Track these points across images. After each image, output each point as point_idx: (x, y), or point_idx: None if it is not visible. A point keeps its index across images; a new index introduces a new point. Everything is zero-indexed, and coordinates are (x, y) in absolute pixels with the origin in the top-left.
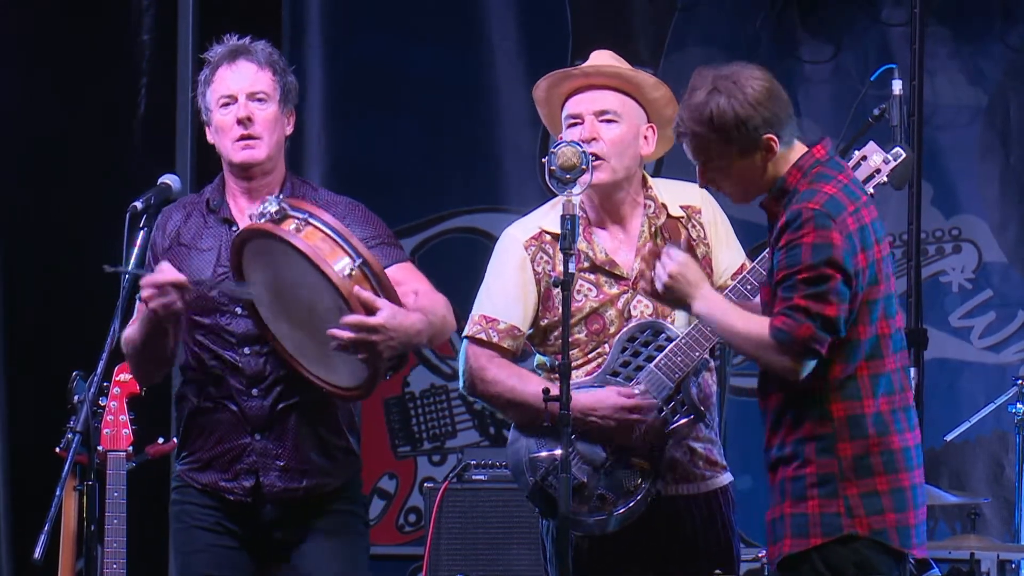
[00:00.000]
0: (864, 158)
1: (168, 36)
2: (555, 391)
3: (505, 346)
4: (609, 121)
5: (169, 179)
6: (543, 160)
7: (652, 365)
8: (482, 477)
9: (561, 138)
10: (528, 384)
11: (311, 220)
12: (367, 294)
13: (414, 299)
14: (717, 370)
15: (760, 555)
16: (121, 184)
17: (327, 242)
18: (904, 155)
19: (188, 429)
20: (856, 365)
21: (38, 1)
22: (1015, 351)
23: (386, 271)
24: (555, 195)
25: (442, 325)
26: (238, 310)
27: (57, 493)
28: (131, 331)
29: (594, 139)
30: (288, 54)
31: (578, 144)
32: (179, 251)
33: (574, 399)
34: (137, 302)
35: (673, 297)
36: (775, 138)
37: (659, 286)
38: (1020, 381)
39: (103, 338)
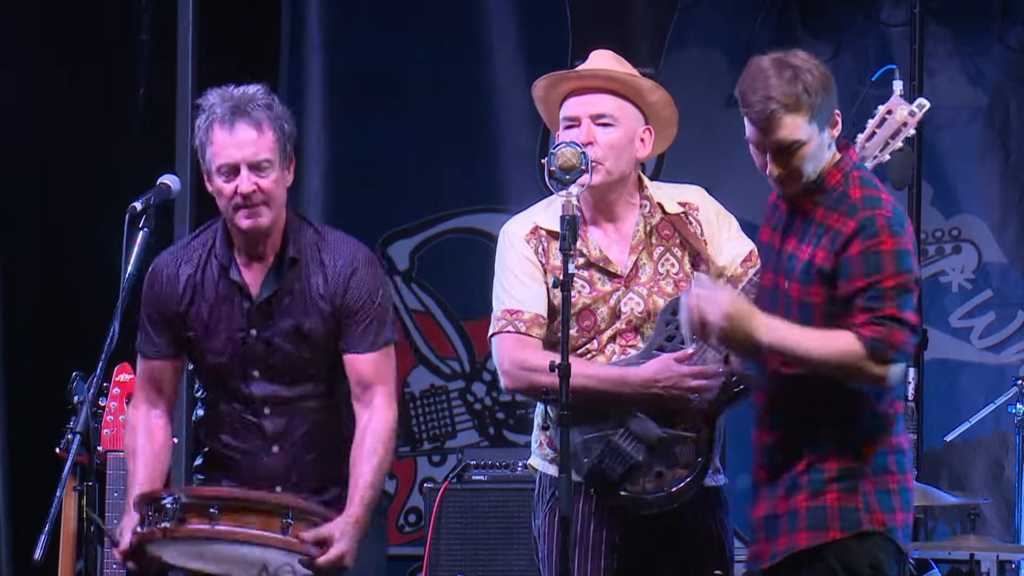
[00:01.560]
0: (889, 112)
1: (168, 35)
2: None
3: (533, 335)
4: (605, 125)
5: (168, 179)
6: (543, 160)
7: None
8: (482, 477)
9: (559, 136)
10: (577, 366)
11: (223, 504)
12: (313, 534)
13: (364, 412)
14: None
15: None
16: (121, 184)
17: (249, 513)
18: (928, 105)
19: (209, 462)
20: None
21: (38, 1)
22: (1015, 351)
23: (364, 356)
24: (555, 194)
25: (386, 466)
26: (256, 373)
27: (57, 493)
28: (131, 445)
29: (590, 143)
30: (288, 54)
31: (577, 145)
32: (200, 312)
33: (634, 372)
34: (139, 359)
35: (736, 339)
36: (839, 113)
37: (717, 334)
38: (1020, 381)
39: (103, 339)
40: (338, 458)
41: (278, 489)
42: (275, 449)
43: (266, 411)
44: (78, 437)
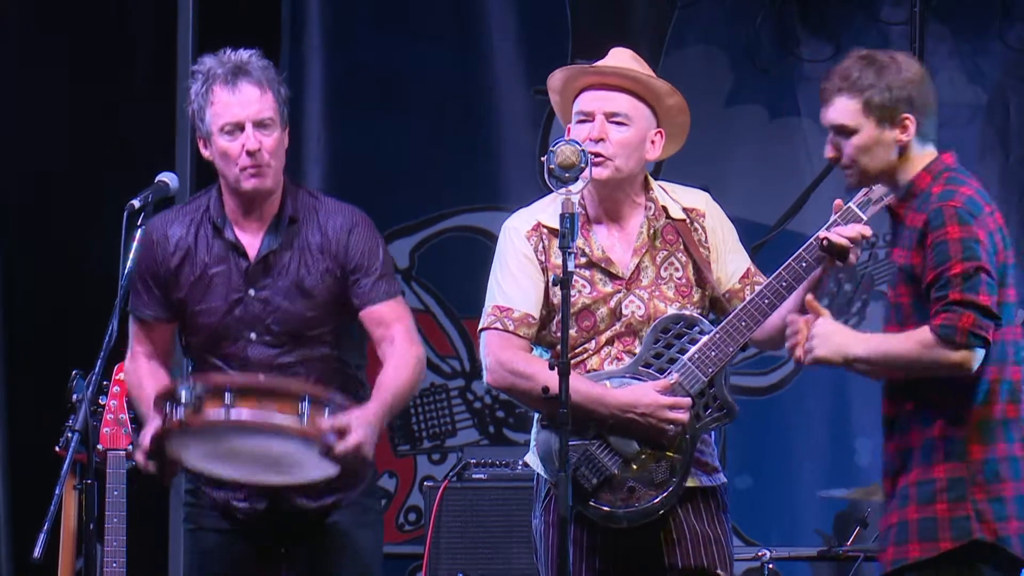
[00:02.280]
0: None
1: (168, 35)
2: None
3: (521, 334)
4: (619, 123)
5: (167, 177)
6: (542, 159)
7: (685, 358)
8: (482, 476)
9: (571, 130)
10: (553, 374)
11: (237, 390)
12: (330, 422)
13: (388, 348)
14: None
15: (760, 554)
16: (120, 183)
17: (265, 397)
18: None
19: None
20: (987, 369)
21: (37, 1)
22: None
23: (374, 307)
24: (555, 192)
25: (410, 387)
26: (252, 336)
27: (57, 492)
28: (138, 392)
29: (601, 139)
30: (288, 53)
31: (577, 143)
32: (190, 273)
33: (612, 395)
34: (131, 320)
35: (835, 351)
36: (911, 119)
37: (812, 354)
38: None
39: (102, 337)
40: None
41: None
42: None
43: (261, 378)
44: (77, 435)
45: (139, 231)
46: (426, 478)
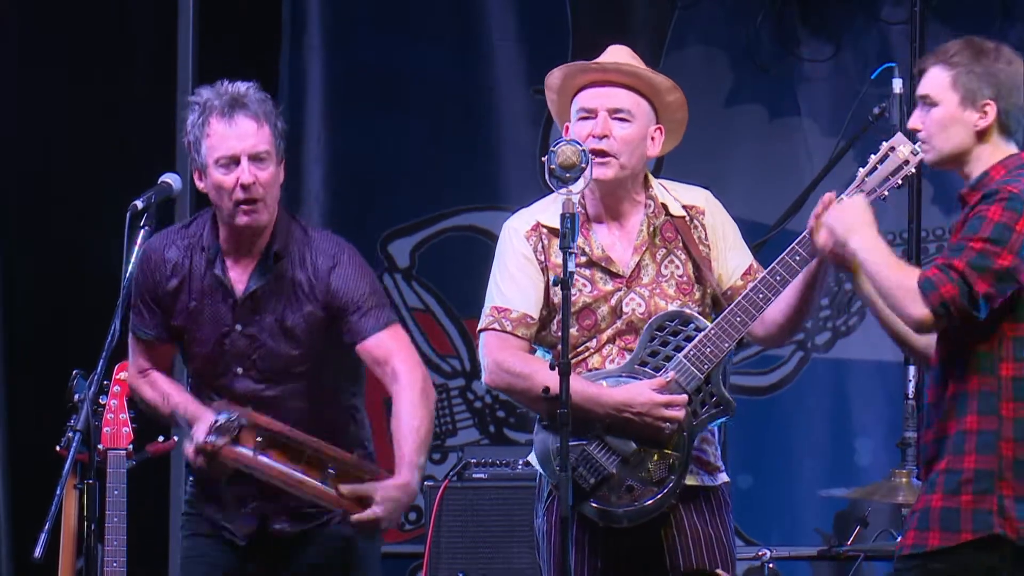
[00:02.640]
0: (892, 149)
1: (168, 35)
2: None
3: (519, 335)
4: (622, 120)
5: (170, 178)
6: (543, 159)
7: (681, 355)
8: (482, 476)
9: (570, 129)
10: (551, 375)
11: (270, 436)
12: (352, 489)
13: (394, 386)
14: None
15: (760, 553)
16: (121, 183)
17: (292, 461)
18: None
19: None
20: None
21: (37, 1)
22: None
23: (371, 340)
24: (555, 192)
25: (428, 436)
26: (239, 370)
27: (57, 491)
28: (149, 394)
29: (605, 136)
30: (288, 53)
31: (578, 143)
32: (185, 300)
33: (607, 394)
34: (131, 338)
35: (841, 226)
36: (994, 104)
37: (822, 235)
38: None
39: (103, 337)
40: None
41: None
42: None
43: (249, 409)
44: (78, 435)
45: (141, 232)
46: (427, 478)
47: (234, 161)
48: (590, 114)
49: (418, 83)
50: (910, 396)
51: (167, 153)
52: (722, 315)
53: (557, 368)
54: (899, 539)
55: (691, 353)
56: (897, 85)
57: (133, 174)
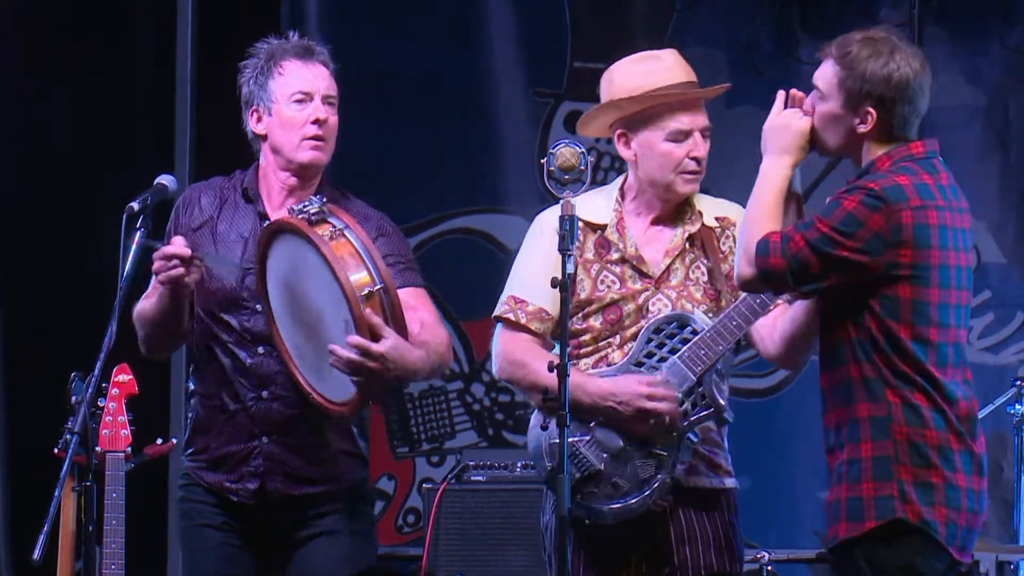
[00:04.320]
0: None
1: (167, 36)
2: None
3: (533, 328)
4: (707, 137)
5: (165, 179)
6: (542, 161)
7: (676, 357)
8: (480, 478)
9: (672, 150)
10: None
11: (346, 232)
12: (377, 319)
13: (419, 329)
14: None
15: (759, 556)
16: (119, 185)
17: (355, 258)
18: None
19: (197, 425)
20: (924, 366)
21: (37, 2)
22: (1014, 352)
23: (403, 291)
24: (554, 196)
25: (440, 363)
26: (258, 307)
27: (56, 494)
28: (144, 304)
29: (705, 157)
30: None
31: (578, 144)
32: (207, 234)
33: (594, 383)
34: (152, 280)
35: (766, 140)
36: (874, 114)
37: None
38: (1019, 382)
39: (101, 339)
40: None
41: (265, 440)
42: (264, 393)
43: (260, 350)
44: (76, 437)
45: (137, 233)
46: (425, 480)
47: (309, 97)
48: (685, 136)
49: (417, 84)
50: None
51: (166, 153)
52: (719, 319)
53: (555, 370)
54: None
55: (685, 355)
56: None
57: (133, 174)
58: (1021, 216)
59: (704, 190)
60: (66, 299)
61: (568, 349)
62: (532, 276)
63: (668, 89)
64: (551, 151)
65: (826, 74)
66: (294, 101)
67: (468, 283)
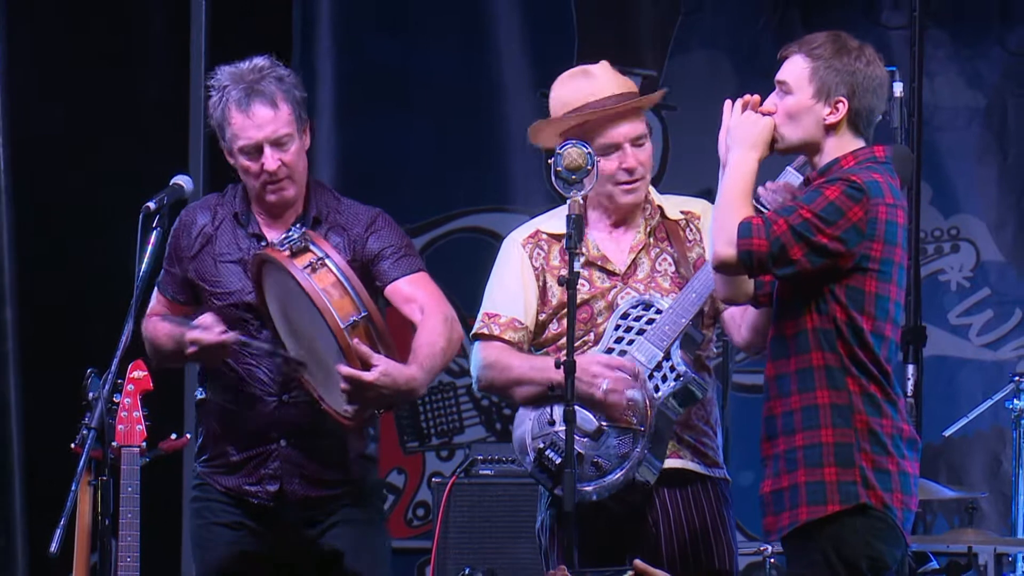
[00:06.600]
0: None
1: (180, 35)
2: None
3: (507, 338)
4: (641, 145)
5: (181, 180)
6: (549, 161)
7: (642, 336)
8: (489, 472)
9: (610, 166)
10: (527, 360)
11: (327, 261)
12: (364, 349)
13: (419, 317)
14: (719, 367)
15: (762, 548)
16: (135, 184)
17: (337, 288)
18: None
19: (212, 430)
20: (867, 353)
21: (46, 1)
22: (1012, 348)
23: (400, 281)
24: (561, 195)
25: (444, 356)
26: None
27: (72, 488)
28: (159, 332)
29: (635, 167)
30: (299, 54)
31: (585, 145)
32: (207, 261)
33: (551, 366)
34: (156, 290)
35: (729, 138)
36: (846, 103)
37: (721, 135)
38: (1017, 378)
39: (117, 336)
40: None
41: (283, 443)
42: (285, 397)
43: (266, 362)
44: (93, 433)
45: (154, 232)
46: (434, 474)
47: (256, 149)
48: (616, 149)
49: (426, 85)
50: (909, 394)
51: (181, 152)
52: (680, 293)
53: (562, 366)
54: (777, 520)
55: (650, 333)
56: (897, 89)
57: (147, 174)
58: (1019, 216)
59: (705, 190)
60: (81, 297)
61: (548, 351)
62: (502, 291)
63: (594, 105)
64: (558, 151)
65: (794, 68)
66: (243, 153)
67: (476, 281)
